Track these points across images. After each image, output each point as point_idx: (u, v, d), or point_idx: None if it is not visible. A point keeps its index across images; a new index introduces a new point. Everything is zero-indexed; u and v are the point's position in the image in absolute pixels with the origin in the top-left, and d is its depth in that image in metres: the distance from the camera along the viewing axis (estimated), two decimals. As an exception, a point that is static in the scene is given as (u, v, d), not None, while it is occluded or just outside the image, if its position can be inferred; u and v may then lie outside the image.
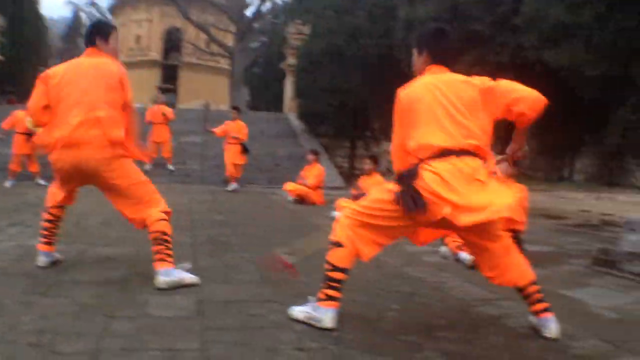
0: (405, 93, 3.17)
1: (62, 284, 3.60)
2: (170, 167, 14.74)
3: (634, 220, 5.01)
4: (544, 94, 2.92)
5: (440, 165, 2.86)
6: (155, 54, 40.23)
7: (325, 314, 2.90)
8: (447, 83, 3.09)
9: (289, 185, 10.54)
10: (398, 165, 3.18)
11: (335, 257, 2.99)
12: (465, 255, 4.88)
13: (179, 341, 2.64)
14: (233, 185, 12.28)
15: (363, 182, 8.40)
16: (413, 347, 2.78)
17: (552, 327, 3.02)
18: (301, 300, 3.33)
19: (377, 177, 8.31)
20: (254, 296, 3.54)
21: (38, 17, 30.21)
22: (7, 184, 12.05)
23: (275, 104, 25.40)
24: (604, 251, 5.05)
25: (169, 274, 3.65)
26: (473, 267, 4.71)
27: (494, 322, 3.33)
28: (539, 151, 12.89)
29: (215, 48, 35.61)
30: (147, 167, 14.81)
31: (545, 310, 3.08)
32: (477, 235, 3.09)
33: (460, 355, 2.73)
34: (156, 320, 2.96)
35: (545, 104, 2.94)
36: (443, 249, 5.29)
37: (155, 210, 3.83)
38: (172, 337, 2.70)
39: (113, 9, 44.32)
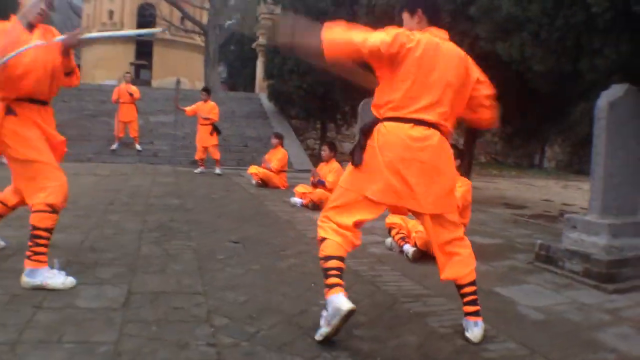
0: (417, 40, 2.98)
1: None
2: (138, 146, 14.74)
3: (575, 218, 5.00)
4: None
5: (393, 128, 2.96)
6: (129, 29, 39.59)
7: (339, 300, 2.80)
8: (449, 52, 3.05)
9: (253, 169, 10.58)
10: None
11: (324, 249, 2.99)
12: (408, 248, 4.98)
13: (97, 334, 2.73)
14: (200, 169, 12.33)
15: (321, 169, 8.41)
16: (325, 345, 2.81)
17: (475, 331, 3.07)
18: (230, 292, 3.41)
19: (334, 164, 8.29)
20: (183, 288, 3.62)
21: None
22: None
23: (251, 83, 25.29)
24: (545, 247, 5.07)
25: (33, 274, 3.43)
26: (415, 259, 4.84)
27: (417, 320, 3.35)
28: (509, 138, 13.01)
29: (189, 25, 35.23)
30: (115, 146, 14.87)
31: (476, 313, 3.12)
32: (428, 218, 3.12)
33: (371, 356, 2.76)
34: (81, 311, 3.04)
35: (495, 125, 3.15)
36: (388, 240, 5.39)
37: (37, 198, 3.52)
38: (91, 329, 2.78)
39: (84, -17, 43.64)
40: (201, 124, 12.25)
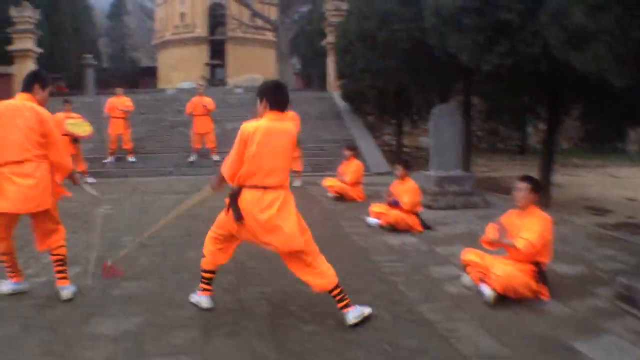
0: (246, 127, 4.21)
1: None
2: (215, 157, 14.98)
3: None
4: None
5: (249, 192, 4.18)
6: (201, 30, 40.26)
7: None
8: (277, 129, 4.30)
9: (329, 181, 10.57)
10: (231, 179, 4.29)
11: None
12: (486, 290, 4.80)
13: None
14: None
15: (395, 188, 8.20)
16: None
17: (350, 317, 4.23)
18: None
19: (410, 183, 7.99)
20: (257, 357, 3.67)
21: (77, 2, 30.65)
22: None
23: (324, 77, 25.21)
24: (625, 286, 4.62)
25: None
26: (494, 302, 4.69)
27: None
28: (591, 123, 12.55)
29: (259, 21, 35.56)
30: (192, 158, 15.23)
31: (347, 305, 4.28)
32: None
33: None
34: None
35: None
36: (466, 278, 5.22)
37: None
38: None
39: (154, -12, 44.61)
40: None
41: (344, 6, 20.15)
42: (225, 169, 4.29)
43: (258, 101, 4.40)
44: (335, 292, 4.27)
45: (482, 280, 4.91)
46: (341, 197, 10.24)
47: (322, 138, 16.51)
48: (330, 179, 10.68)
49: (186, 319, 4.40)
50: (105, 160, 15.14)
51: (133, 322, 4.29)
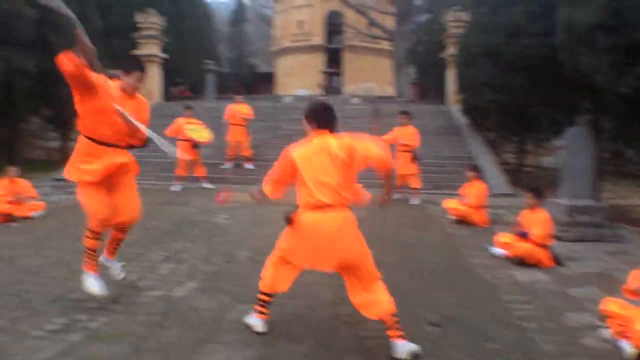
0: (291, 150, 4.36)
1: None
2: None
3: None
4: None
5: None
6: (318, 38, 40.69)
7: None
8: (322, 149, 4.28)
9: (449, 203, 10.24)
10: None
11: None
12: (626, 346, 4.38)
13: None
14: (396, 195, 12.19)
15: (524, 217, 7.76)
16: None
17: (401, 350, 4.14)
18: None
19: (541, 214, 7.37)
20: None
21: (200, 7, 31.67)
22: (175, 188, 12.97)
23: (441, 87, 24.82)
24: None
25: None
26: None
27: None
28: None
29: (376, 30, 35.49)
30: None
31: (400, 336, 4.20)
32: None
33: None
34: None
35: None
36: (605, 331, 4.83)
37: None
38: None
39: (273, -5, 45.45)
40: (400, 151, 11.99)
41: (465, 17, 19.69)
42: (266, 185, 4.57)
43: (305, 122, 4.50)
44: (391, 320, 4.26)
45: (623, 335, 4.53)
46: (462, 221, 9.87)
47: (441, 154, 16.13)
48: (451, 200, 10.33)
49: (302, 355, 4.22)
50: (223, 166, 15.45)
51: (246, 356, 4.14)
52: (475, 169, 10.49)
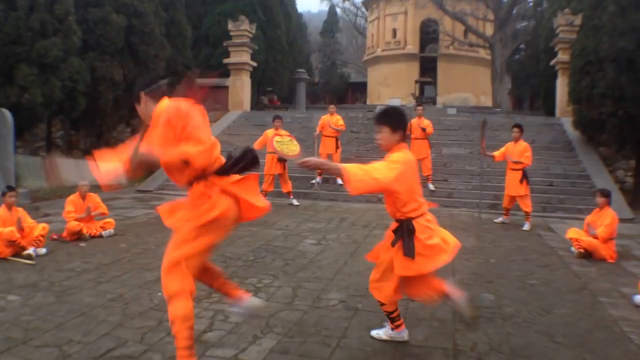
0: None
1: None
2: (431, 186, 13.71)
3: None
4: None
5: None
6: (412, 46, 39.57)
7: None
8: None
9: (572, 233, 8.69)
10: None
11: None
12: None
13: None
14: (501, 218, 10.94)
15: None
16: None
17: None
18: None
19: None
20: None
21: (292, 17, 31.23)
22: None
23: (538, 97, 23.16)
24: None
25: None
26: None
27: None
28: None
29: (473, 38, 34.01)
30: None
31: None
32: None
33: None
34: None
35: None
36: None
37: None
38: None
39: (367, 4, 44.62)
40: (510, 169, 10.65)
41: (577, 21, 17.94)
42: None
43: (389, 130, 4.02)
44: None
45: None
46: (587, 254, 8.35)
47: (552, 172, 14.54)
48: (575, 229, 8.76)
49: None
50: (313, 181, 14.47)
51: None
52: (607, 194, 8.81)
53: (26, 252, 7.10)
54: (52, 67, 13.06)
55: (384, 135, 4.03)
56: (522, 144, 10.64)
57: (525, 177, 10.52)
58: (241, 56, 22.05)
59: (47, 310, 5.05)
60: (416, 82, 37.65)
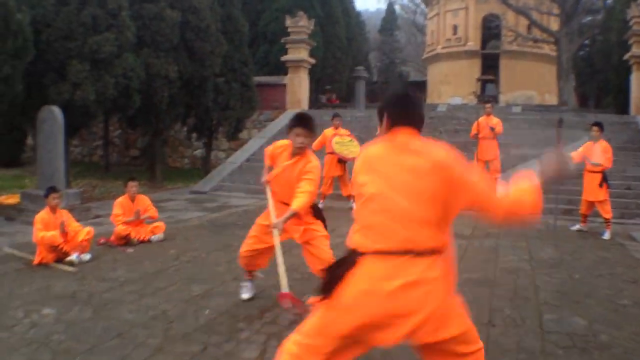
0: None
1: None
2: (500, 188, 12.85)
3: None
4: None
5: None
6: (473, 43, 38.35)
7: None
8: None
9: (660, 242, 7.92)
10: None
11: None
12: None
13: None
14: (578, 226, 10.08)
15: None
16: None
17: None
18: None
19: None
20: None
21: (350, 14, 30.72)
22: (319, 205, 11.70)
23: (605, 94, 22.04)
24: None
25: None
26: None
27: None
28: None
29: (538, 33, 32.71)
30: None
31: None
32: None
33: None
34: None
35: None
36: None
37: None
38: None
39: (426, 0, 43.55)
40: (589, 171, 9.70)
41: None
42: None
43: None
44: None
45: None
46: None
47: (629, 174, 13.51)
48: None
49: None
50: None
51: None
52: None
53: (69, 258, 6.69)
54: (105, 63, 12.74)
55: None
56: (602, 144, 9.72)
57: (605, 180, 9.62)
58: (299, 53, 21.53)
59: (81, 328, 4.57)
60: (478, 79, 36.50)
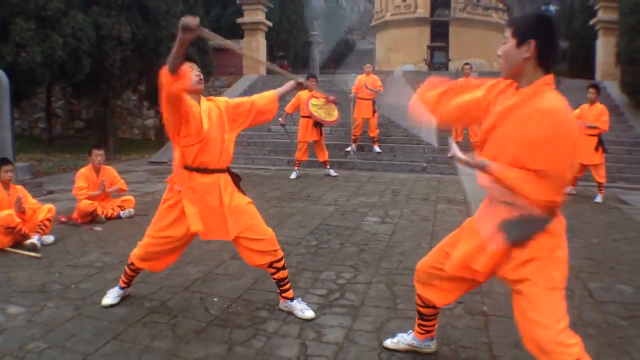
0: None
1: None
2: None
3: None
4: None
5: None
6: (423, 10, 37.89)
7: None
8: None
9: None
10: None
11: None
12: None
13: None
14: (569, 188, 9.49)
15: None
16: None
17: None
18: None
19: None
20: None
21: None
22: (292, 175, 11.17)
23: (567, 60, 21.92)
24: None
25: None
26: None
27: None
28: None
29: (487, 1, 32.43)
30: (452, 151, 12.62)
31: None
32: None
33: None
34: None
35: None
36: None
37: None
38: None
39: (375, -33, 42.84)
40: (584, 134, 9.19)
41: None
42: None
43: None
44: None
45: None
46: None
47: (605, 138, 13.13)
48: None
49: None
50: (348, 149, 13.17)
51: None
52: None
53: (29, 241, 5.70)
54: (52, 21, 11.46)
55: None
56: (599, 107, 9.30)
57: (601, 144, 9.24)
58: (256, 15, 20.46)
59: (64, 331, 3.64)
60: (428, 47, 36.06)
